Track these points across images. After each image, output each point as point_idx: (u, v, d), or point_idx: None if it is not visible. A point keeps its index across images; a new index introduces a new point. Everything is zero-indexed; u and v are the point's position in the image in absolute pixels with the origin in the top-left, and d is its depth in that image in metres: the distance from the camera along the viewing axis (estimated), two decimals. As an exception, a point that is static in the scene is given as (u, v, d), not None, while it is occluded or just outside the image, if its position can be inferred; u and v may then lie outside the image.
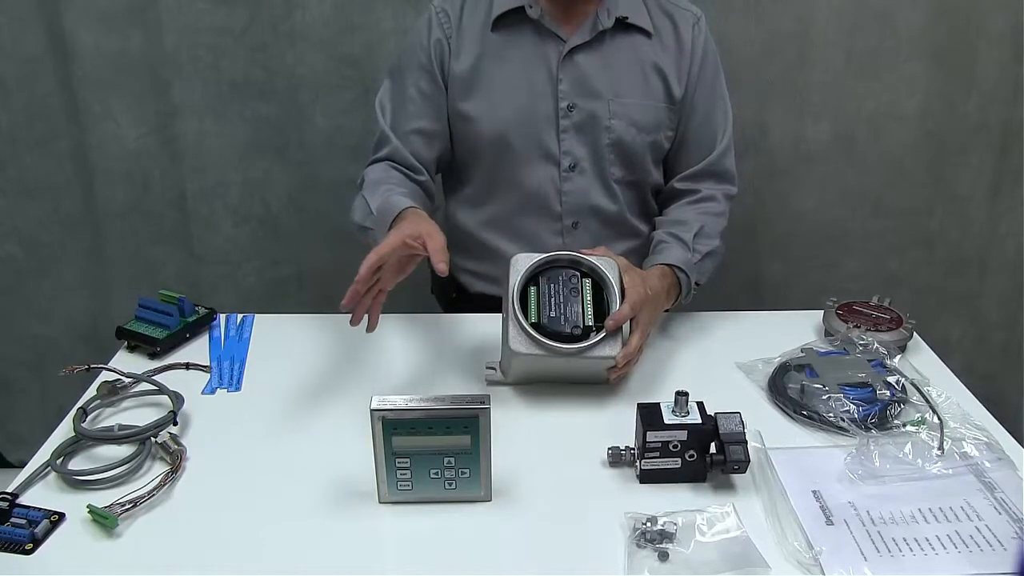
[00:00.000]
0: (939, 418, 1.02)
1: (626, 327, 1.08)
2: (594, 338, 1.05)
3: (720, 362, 1.19)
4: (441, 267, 1.01)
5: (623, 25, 1.28)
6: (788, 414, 1.07)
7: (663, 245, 1.25)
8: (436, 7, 1.30)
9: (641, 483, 0.95)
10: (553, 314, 1.07)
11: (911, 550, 0.85)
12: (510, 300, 1.07)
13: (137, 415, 1.06)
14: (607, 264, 1.11)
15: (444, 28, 1.29)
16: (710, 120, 1.34)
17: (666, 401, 0.95)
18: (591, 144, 1.30)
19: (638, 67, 1.29)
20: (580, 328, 1.06)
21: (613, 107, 1.29)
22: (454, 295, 1.46)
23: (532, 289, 1.09)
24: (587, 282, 1.10)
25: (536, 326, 1.05)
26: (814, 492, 0.93)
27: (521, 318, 1.05)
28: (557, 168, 1.31)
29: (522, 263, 1.09)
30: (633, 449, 0.96)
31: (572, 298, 1.08)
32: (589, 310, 1.08)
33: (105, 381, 1.09)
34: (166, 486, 0.93)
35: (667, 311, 1.25)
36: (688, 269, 1.22)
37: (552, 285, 1.09)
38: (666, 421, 0.92)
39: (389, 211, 1.13)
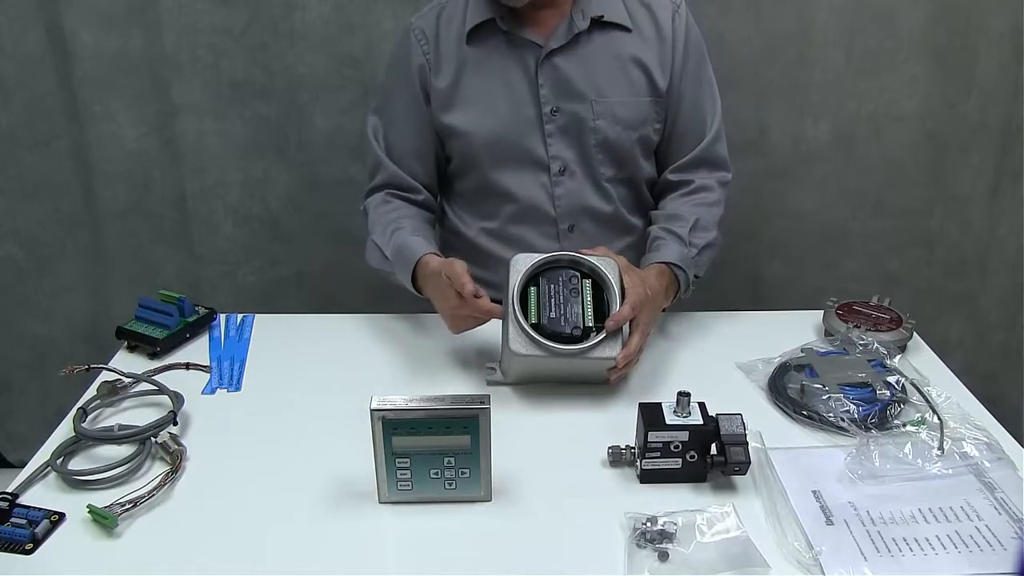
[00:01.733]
0: (939, 418, 1.02)
1: (626, 327, 1.08)
2: (594, 339, 1.05)
3: (720, 362, 1.19)
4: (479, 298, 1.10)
5: (600, 23, 1.27)
6: (788, 414, 1.07)
7: (659, 242, 1.25)
8: (413, 26, 1.31)
9: (641, 483, 0.95)
10: (553, 315, 1.07)
11: (911, 550, 0.85)
12: (510, 301, 1.07)
13: (137, 415, 1.06)
14: (607, 264, 1.10)
15: (423, 48, 1.29)
16: (698, 108, 1.33)
17: (668, 401, 0.95)
18: (578, 146, 1.30)
19: (618, 64, 1.28)
20: (580, 329, 1.06)
21: (597, 107, 1.28)
22: None
23: (532, 290, 1.09)
24: (587, 283, 1.10)
25: (536, 327, 1.05)
26: (814, 492, 0.93)
27: (521, 319, 1.05)
28: (547, 173, 1.31)
29: (522, 263, 1.09)
30: (633, 448, 0.96)
31: (572, 299, 1.08)
32: (589, 311, 1.08)
33: (105, 381, 1.09)
34: (166, 486, 0.93)
35: (665, 310, 1.25)
36: (686, 265, 1.22)
37: (552, 286, 1.09)
38: (668, 421, 0.92)
39: (406, 256, 1.21)
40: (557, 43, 1.26)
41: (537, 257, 1.10)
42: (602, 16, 1.26)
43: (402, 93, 1.32)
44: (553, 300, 1.08)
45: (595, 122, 1.28)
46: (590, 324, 1.07)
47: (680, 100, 1.32)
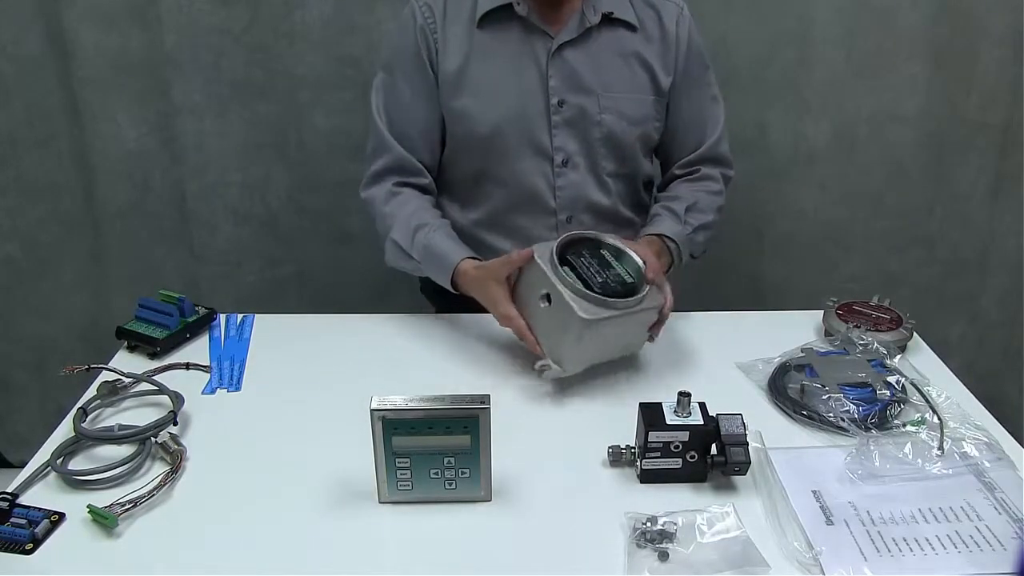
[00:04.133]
0: (939, 418, 1.02)
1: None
2: (644, 290, 1.08)
3: (720, 362, 1.19)
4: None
5: (608, 20, 1.28)
6: (788, 414, 1.07)
7: (656, 218, 1.30)
8: (418, 2, 1.29)
9: (641, 483, 0.95)
10: (600, 280, 1.08)
11: (911, 550, 0.85)
12: (556, 278, 1.06)
13: (137, 415, 1.06)
14: (612, 237, 1.14)
15: (427, 20, 1.28)
16: (700, 110, 1.36)
17: (668, 401, 0.95)
18: (583, 139, 1.31)
19: (624, 61, 1.30)
20: (625, 285, 1.09)
21: (603, 102, 1.29)
22: (440, 288, 1.45)
23: (566, 269, 1.09)
24: (605, 251, 1.13)
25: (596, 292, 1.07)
26: (814, 492, 0.93)
27: (580, 287, 1.06)
28: (550, 164, 1.31)
29: (544, 248, 1.10)
30: (633, 448, 0.96)
31: (605, 264, 1.11)
32: (622, 270, 1.11)
33: (105, 381, 1.09)
34: (166, 486, 0.93)
35: (682, 310, 1.25)
36: (678, 239, 1.26)
37: (582, 259, 1.11)
38: (668, 421, 0.92)
39: (441, 261, 1.22)
40: (568, 36, 1.26)
41: (554, 242, 1.10)
42: (611, 13, 1.27)
43: (406, 71, 1.30)
44: (592, 269, 1.09)
45: (600, 116, 1.29)
46: (631, 280, 1.09)
47: (681, 102, 1.34)
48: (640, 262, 1.12)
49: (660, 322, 1.13)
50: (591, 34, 1.28)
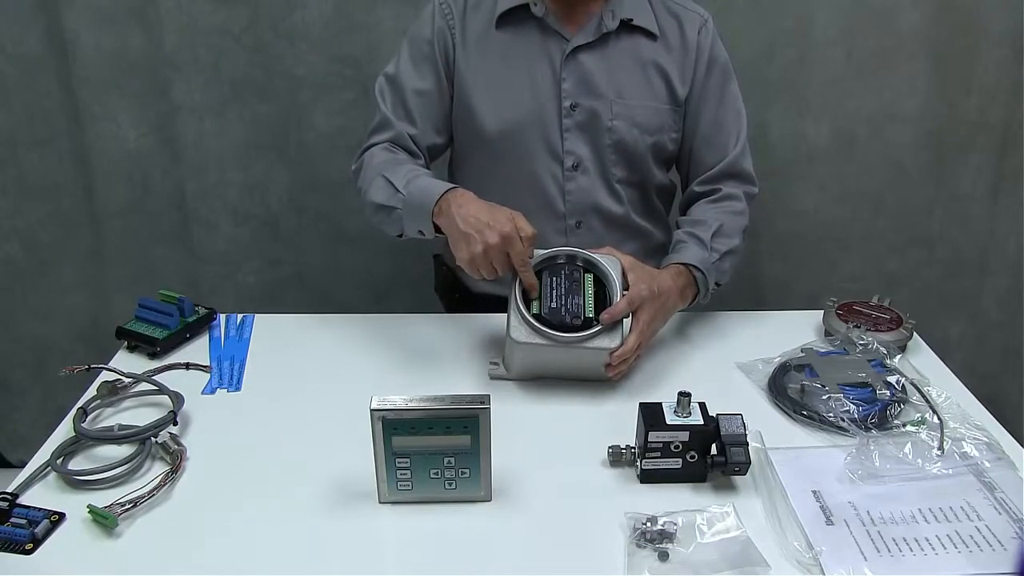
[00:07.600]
0: (939, 418, 1.02)
1: (628, 325, 1.08)
2: (594, 329, 1.06)
3: (720, 362, 1.19)
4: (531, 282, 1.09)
5: (627, 26, 1.27)
6: (788, 414, 1.07)
7: (681, 245, 1.25)
8: (438, 0, 1.30)
9: (641, 483, 0.95)
10: (554, 305, 1.08)
11: (911, 550, 0.85)
12: (513, 292, 1.08)
13: (137, 415, 1.06)
14: (608, 261, 1.11)
15: (447, 19, 1.29)
16: (720, 123, 1.33)
17: (668, 401, 0.95)
18: (593, 144, 1.30)
19: (640, 68, 1.29)
20: (581, 319, 1.07)
21: (615, 108, 1.28)
22: (457, 295, 1.46)
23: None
24: (589, 276, 1.11)
25: (537, 317, 1.07)
26: (814, 492, 0.93)
27: (522, 308, 1.06)
28: (561, 167, 1.31)
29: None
30: (633, 448, 0.96)
31: (574, 291, 1.09)
32: (590, 302, 1.09)
33: (105, 381, 1.09)
34: (166, 486, 0.93)
35: (683, 311, 1.24)
36: (705, 268, 1.21)
37: (554, 278, 1.10)
38: (668, 421, 0.92)
39: (427, 193, 1.13)
40: (584, 39, 1.26)
41: (540, 252, 1.11)
42: (631, 20, 1.27)
43: (418, 64, 1.30)
44: (555, 292, 1.09)
45: (612, 122, 1.29)
46: (591, 315, 1.08)
47: (700, 113, 1.32)
48: (617, 300, 1.08)
49: (613, 365, 1.08)
50: (608, 39, 1.27)
